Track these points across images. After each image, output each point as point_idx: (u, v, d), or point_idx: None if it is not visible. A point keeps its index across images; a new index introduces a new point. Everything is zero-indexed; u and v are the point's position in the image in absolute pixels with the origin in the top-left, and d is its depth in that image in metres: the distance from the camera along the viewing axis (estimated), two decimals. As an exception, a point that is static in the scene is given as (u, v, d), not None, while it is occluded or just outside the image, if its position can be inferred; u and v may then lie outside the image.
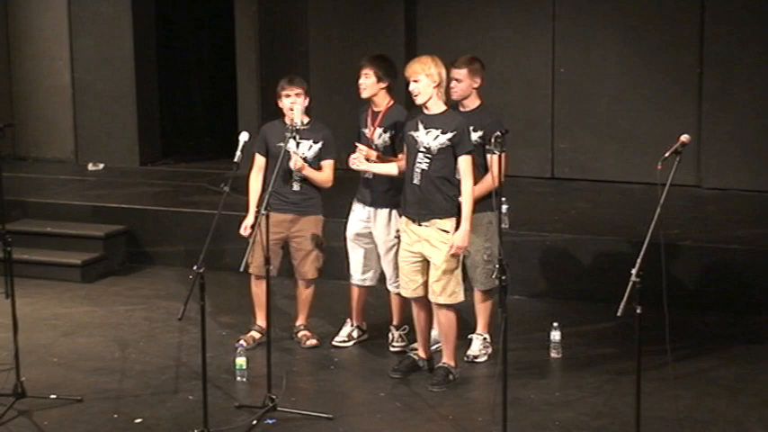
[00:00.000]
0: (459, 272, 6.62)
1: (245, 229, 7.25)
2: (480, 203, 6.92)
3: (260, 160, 7.38)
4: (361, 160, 6.95)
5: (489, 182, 6.84)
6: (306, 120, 7.22)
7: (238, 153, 6.72)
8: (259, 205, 6.95)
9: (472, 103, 7.02)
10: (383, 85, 7.15)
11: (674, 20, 10.46)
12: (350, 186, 7.44)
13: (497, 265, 5.65)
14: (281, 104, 7.28)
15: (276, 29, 11.27)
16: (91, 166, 11.91)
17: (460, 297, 6.64)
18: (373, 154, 7.07)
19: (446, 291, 6.59)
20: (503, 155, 5.94)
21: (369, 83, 7.13)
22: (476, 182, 6.69)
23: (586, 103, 10.83)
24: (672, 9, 10.47)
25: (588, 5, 10.79)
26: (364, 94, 7.18)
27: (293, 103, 7.18)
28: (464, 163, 6.53)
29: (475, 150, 6.83)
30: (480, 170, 6.88)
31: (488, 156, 6.87)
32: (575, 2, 10.82)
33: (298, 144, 7.13)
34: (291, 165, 7.13)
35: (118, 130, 12.00)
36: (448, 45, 10.05)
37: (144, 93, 12.02)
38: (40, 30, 12.18)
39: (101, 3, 11.93)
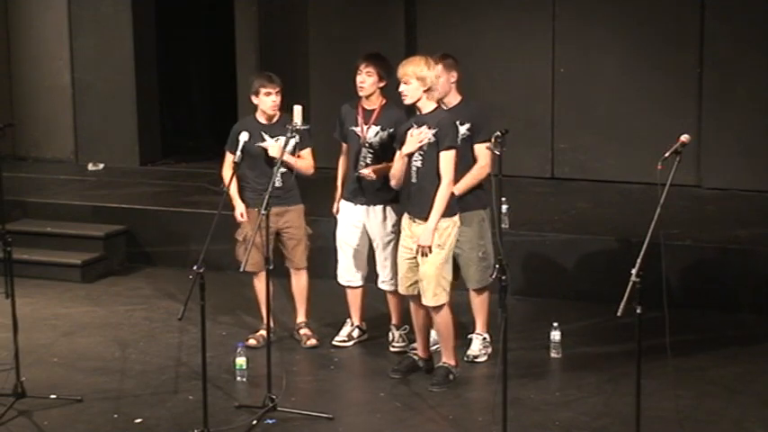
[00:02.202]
0: (444, 274, 6.60)
1: (241, 215, 7.31)
2: (473, 201, 6.94)
3: (230, 158, 7.37)
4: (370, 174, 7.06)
5: (476, 171, 6.85)
6: (277, 115, 7.28)
7: (238, 153, 6.74)
8: (244, 200, 7.24)
9: (454, 98, 7.01)
10: (382, 84, 7.16)
11: (674, 20, 10.46)
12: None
13: (497, 265, 5.65)
14: (256, 101, 7.31)
15: (276, 29, 11.26)
16: (91, 166, 11.90)
17: (442, 300, 6.61)
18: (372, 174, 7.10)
19: (428, 292, 6.59)
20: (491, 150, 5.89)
21: (370, 81, 7.13)
22: (461, 177, 6.74)
23: (586, 103, 10.82)
24: (672, 9, 10.46)
25: (588, 5, 10.78)
26: (363, 93, 7.17)
27: (274, 102, 7.24)
28: (444, 158, 6.49)
29: (464, 144, 6.84)
30: (470, 165, 6.89)
31: (476, 146, 6.88)
32: (575, 2, 10.82)
33: (266, 138, 7.19)
34: (272, 153, 7.19)
35: (118, 130, 11.99)
36: (448, 45, 10.01)
37: (144, 93, 12.01)
38: (40, 30, 12.17)
39: (101, 3, 11.92)
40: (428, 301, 6.62)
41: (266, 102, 7.26)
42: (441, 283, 6.58)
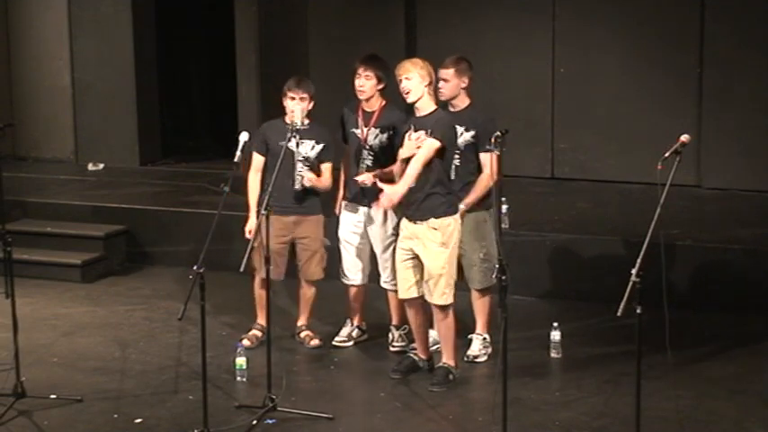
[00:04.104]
0: (450, 273, 6.61)
1: (249, 233, 7.19)
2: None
3: (258, 160, 7.34)
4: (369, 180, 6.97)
5: (485, 181, 6.86)
6: (306, 121, 7.19)
7: (238, 153, 6.71)
8: (260, 206, 6.91)
9: (462, 102, 7.01)
10: (381, 86, 7.15)
11: (674, 20, 10.47)
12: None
13: (497, 265, 5.65)
14: (285, 103, 7.23)
15: (276, 29, 11.26)
16: (91, 166, 11.91)
17: (450, 299, 6.63)
18: (369, 177, 7.03)
19: (436, 291, 6.60)
20: (495, 155, 5.91)
21: (370, 84, 7.11)
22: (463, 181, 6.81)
23: (586, 103, 10.82)
24: (672, 9, 10.47)
25: (588, 5, 10.79)
26: (363, 96, 7.15)
27: (296, 106, 7.15)
28: (425, 145, 6.42)
29: (468, 150, 6.85)
30: (473, 170, 6.90)
31: (482, 155, 6.88)
32: (575, 2, 10.83)
33: (298, 144, 7.12)
34: (305, 183, 7.13)
35: (118, 130, 11.99)
36: (448, 45, 10.04)
37: (144, 93, 12.02)
38: (40, 30, 12.18)
39: (101, 3, 11.93)
40: (435, 300, 6.62)
41: (288, 104, 7.15)
42: (448, 282, 6.60)
